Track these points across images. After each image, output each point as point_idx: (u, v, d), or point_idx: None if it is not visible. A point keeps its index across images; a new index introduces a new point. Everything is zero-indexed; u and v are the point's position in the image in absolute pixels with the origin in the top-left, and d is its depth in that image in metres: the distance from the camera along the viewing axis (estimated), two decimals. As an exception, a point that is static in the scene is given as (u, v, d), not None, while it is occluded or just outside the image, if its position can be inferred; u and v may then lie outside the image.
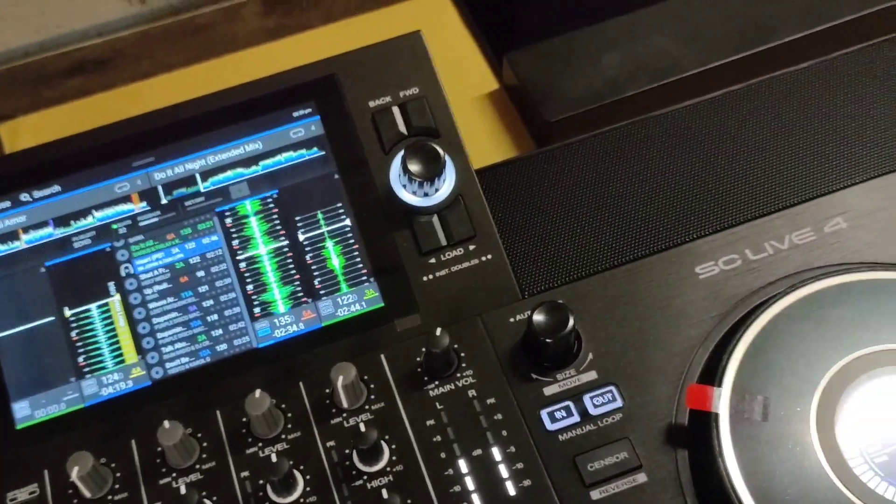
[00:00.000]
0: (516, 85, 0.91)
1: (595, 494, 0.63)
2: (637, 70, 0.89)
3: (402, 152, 0.71)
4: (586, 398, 0.66)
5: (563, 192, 0.76)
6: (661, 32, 0.90)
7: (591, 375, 0.67)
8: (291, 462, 0.64)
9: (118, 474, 0.66)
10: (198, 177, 0.72)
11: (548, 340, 0.66)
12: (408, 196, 0.72)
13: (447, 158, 0.72)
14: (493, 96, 0.95)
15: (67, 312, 0.69)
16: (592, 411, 0.66)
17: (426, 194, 0.72)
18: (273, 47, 1.00)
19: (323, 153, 0.73)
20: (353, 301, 0.71)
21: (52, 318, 0.69)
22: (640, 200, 0.75)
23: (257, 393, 0.64)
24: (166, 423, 0.64)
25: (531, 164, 0.77)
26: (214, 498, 0.64)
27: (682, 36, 0.90)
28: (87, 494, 0.64)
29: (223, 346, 0.69)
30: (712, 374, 0.64)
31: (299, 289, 0.70)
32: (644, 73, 0.89)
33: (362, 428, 0.64)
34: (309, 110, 0.74)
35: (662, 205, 0.75)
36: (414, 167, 0.70)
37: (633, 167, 0.77)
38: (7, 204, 0.71)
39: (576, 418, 0.66)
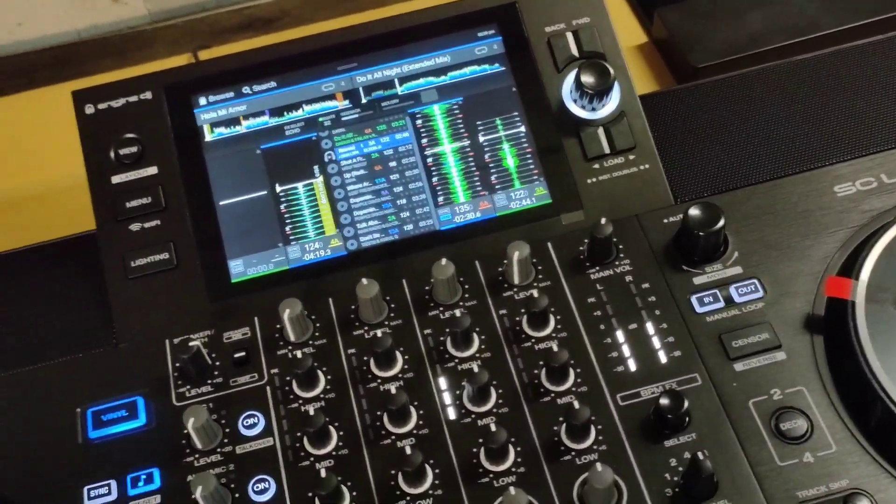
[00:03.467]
0: (666, 37, 1.00)
1: (738, 366, 0.71)
2: (778, 27, 0.97)
3: (574, 70, 0.81)
4: (731, 288, 0.75)
5: (715, 117, 0.85)
6: (801, -6, 0.99)
7: (737, 270, 0.76)
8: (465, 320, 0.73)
9: (318, 324, 0.76)
10: (396, 81, 0.82)
11: (700, 233, 0.74)
12: (577, 109, 0.82)
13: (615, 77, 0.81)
14: (642, 49, 1.04)
15: (278, 188, 0.80)
16: (737, 299, 0.74)
17: (594, 109, 0.81)
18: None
19: (503, 69, 0.83)
20: (525, 196, 0.80)
21: (264, 192, 0.80)
22: (785, 130, 0.83)
23: (443, 260, 0.74)
24: (364, 280, 0.74)
25: (687, 93, 0.86)
26: (401, 348, 0.74)
27: (821, -1, 0.98)
28: (292, 338, 0.75)
29: (409, 227, 0.79)
30: (850, 269, 0.72)
31: (478, 182, 0.80)
32: (784, 31, 0.97)
33: (535, 294, 0.74)
34: (492, 31, 0.84)
35: (806, 134, 0.83)
36: (588, 80, 0.79)
37: (780, 102, 0.85)
38: (230, 94, 0.82)
39: (721, 304, 0.74)
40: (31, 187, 1.01)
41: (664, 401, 0.67)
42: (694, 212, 0.74)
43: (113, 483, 0.70)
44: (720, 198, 0.79)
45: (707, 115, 0.85)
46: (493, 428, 0.67)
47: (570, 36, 0.83)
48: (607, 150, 0.81)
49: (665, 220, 0.78)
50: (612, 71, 0.80)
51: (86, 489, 0.70)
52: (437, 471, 0.68)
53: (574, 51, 0.83)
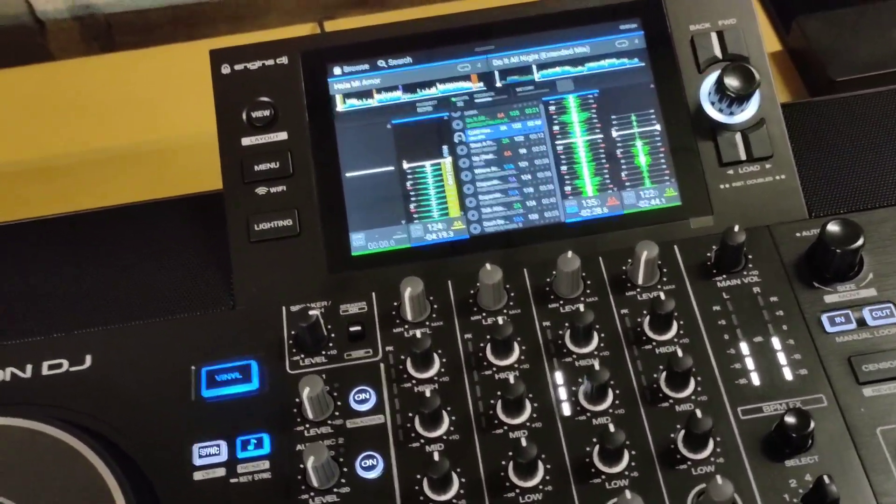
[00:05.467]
0: (803, 46, 0.97)
1: (867, 391, 0.69)
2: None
3: (716, 72, 0.79)
4: (865, 310, 0.72)
5: (856, 133, 0.82)
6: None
7: (871, 292, 0.73)
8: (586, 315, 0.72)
9: (435, 306, 0.75)
10: (533, 68, 0.81)
11: (837, 251, 0.72)
12: (714, 112, 0.79)
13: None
14: (774, 57, 1.01)
15: (405, 165, 0.79)
16: (870, 322, 0.72)
17: (732, 113, 0.79)
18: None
19: (643, 64, 0.81)
20: (654, 196, 0.78)
21: (391, 168, 0.79)
22: (929, 151, 0.80)
23: (569, 253, 0.73)
24: (488, 266, 0.73)
25: (828, 105, 0.84)
26: (518, 338, 0.73)
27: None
28: (409, 317, 0.74)
29: (534, 216, 0.78)
30: None
31: (607, 177, 0.79)
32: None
33: (661, 296, 0.72)
34: (635, 25, 0.82)
35: (951, 157, 0.80)
36: (732, 83, 0.77)
37: (925, 122, 0.82)
38: (366, 67, 0.82)
39: (853, 325, 0.72)
40: (151, 143, 1.02)
41: (790, 419, 0.65)
42: (833, 227, 0.72)
43: (223, 443, 0.70)
44: (857, 215, 0.76)
45: (848, 130, 0.82)
46: (612, 428, 0.66)
47: (714, 36, 0.81)
48: (743, 157, 0.78)
49: (798, 234, 0.76)
50: (757, 76, 0.77)
51: (196, 446, 0.70)
52: (548, 466, 0.67)
53: (717, 52, 0.81)
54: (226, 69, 0.81)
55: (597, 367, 0.69)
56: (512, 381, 0.68)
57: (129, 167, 0.99)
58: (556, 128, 0.80)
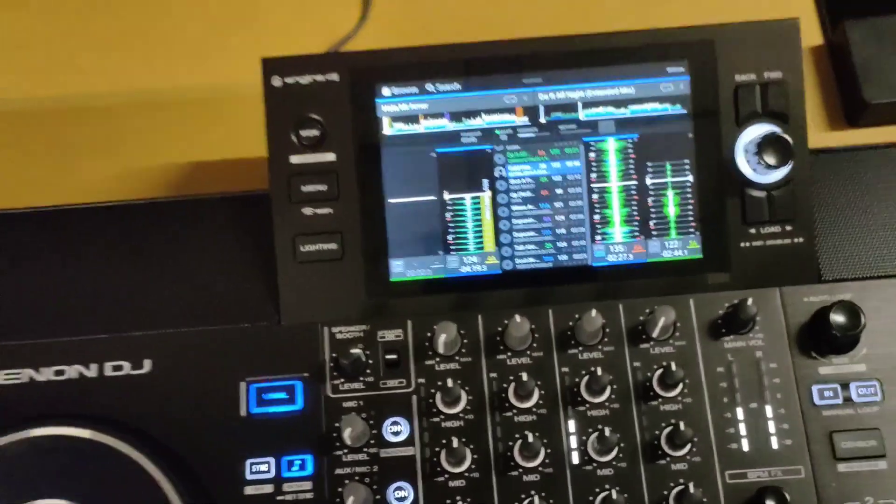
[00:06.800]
0: (845, 53, 0.97)
1: (842, 467, 0.78)
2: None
3: (753, 128, 0.82)
4: (853, 385, 0.80)
5: (879, 191, 0.86)
6: None
7: (861, 367, 0.80)
8: (602, 370, 0.79)
9: (465, 340, 0.82)
10: (578, 105, 0.83)
11: (837, 334, 0.78)
12: (747, 169, 0.83)
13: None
14: (815, 51, 1.01)
15: (447, 196, 0.83)
16: (855, 398, 0.80)
17: (765, 172, 0.82)
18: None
19: (684, 111, 0.83)
20: (678, 247, 0.83)
21: (433, 198, 0.83)
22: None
23: (594, 312, 0.79)
24: (517, 317, 0.79)
25: (858, 157, 0.87)
26: (539, 383, 0.81)
27: None
28: (441, 351, 0.81)
29: (564, 257, 0.83)
30: (969, 403, 0.77)
31: (636, 225, 0.83)
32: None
33: (673, 366, 0.79)
34: (682, 69, 0.83)
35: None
36: (770, 159, 0.80)
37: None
38: (415, 90, 0.83)
39: (839, 400, 0.80)
40: (196, 90, 1.03)
41: (769, 500, 0.75)
42: (835, 316, 0.78)
43: (272, 460, 0.79)
44: (866, 284, 0.82)
45: (871, 186, 0.86)
46: (614, 495, 0.75)
47: (757, 89, 0.83)
48: (766, 218, 0.83)
49: (806, 299, 0.82)
50: (794, 151, 0.80)
51: (248, 462, 0.79)
52: (554, 512, 0.78)
53: (759, 106, 0.83)
54: (277, 81, 0.83)
55: (607, 433, 0.78)
56: (531, 440, 0.77)
57: (174, 113, 1.01)
58: (593, 172, 0.83)
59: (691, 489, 0.75)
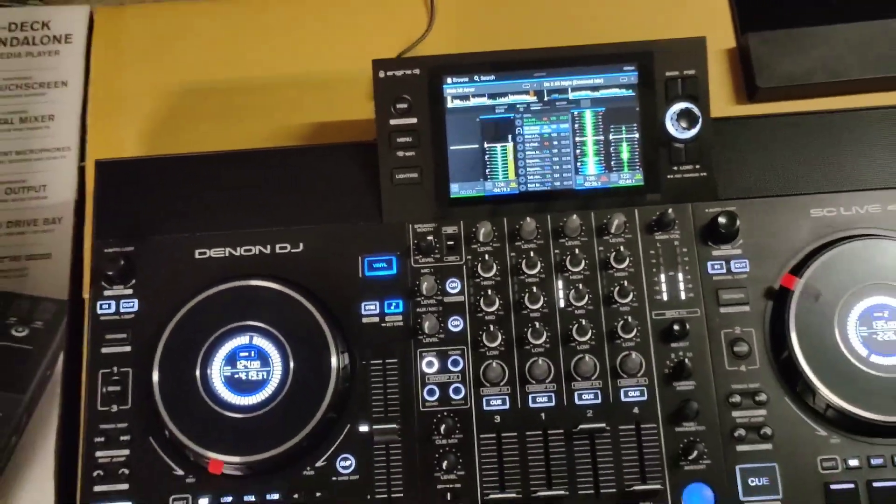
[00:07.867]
0: (746, 54, 1.47)
1: (723, 310, 1.28)
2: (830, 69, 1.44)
3: (678, 103, 1.32)
4: (732, 262, 1.31)
5: (760, 142, 1.36)
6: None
7: (738, 251, 1.31)
8: (579, 252, 1.31)
9: (496, 233, 1.33)
10: (568, 89, 1.34)
11: (723, 231, 1.30)
12: (672, 130, 1.33)
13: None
14: (729, 51, 1.51)
15: (486, 145, 1.35)
16: (733, 270, 1.30)
17: (683, 131, 1.33)
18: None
19: (633, 94, 1.34)
20: (629, 178, 1.34)
21: (477, 146, 1.35)
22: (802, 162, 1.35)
23: (574, 216, 1.31)
24: (528, 218, 1.30)
25: (747, 123, 1.37)
26: (540, 259, 1.32)
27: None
28: (481, 239, 1.33)
29: (558, 183, 1.34)
30: (798, 270, 1.28)
31: (602, 163, 1.34)
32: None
33: (622, 249, 1.30)
34: (633, 68, 1.34)
35: (818, 166, 1.35)
36: (685, 123, 1.31)
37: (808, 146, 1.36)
38: (466, 80, 1.34)
39: (724, 271, 1.30)
40: (315, 74, 1.55)
41: (676, 326, 1.26)
42: (722, 219, 1.29)
43: (377, 302, 1.31)
44: (744, 202, 1.33)
45: (758, 138, 1.36)
46: (583, 324, 1.27)
47: (680, 81, 1.33)
48: (684, 160, 1.34)
49: (706, 210, 1.33)
50: (700, 117, 1.31)
51: (363, 304, 1.31)
52: (549, 335, 1.29)
53: (680, 91, 1.33)
54: (381, 74, 1.34)
55: (581, 288, 1.29)
56: (535, 291, 1.29)
57: (310, 89, 1.53)
58: (576, 130, 1.34)
59: (629, 320, 1.27)
